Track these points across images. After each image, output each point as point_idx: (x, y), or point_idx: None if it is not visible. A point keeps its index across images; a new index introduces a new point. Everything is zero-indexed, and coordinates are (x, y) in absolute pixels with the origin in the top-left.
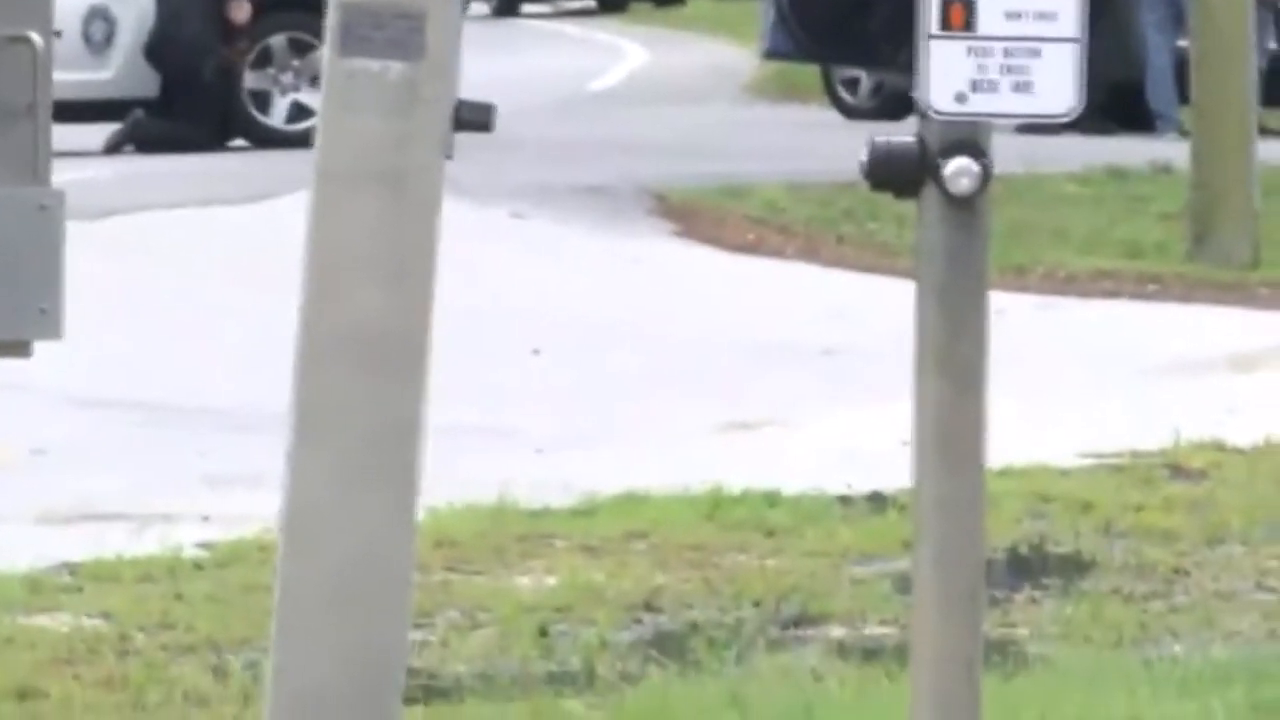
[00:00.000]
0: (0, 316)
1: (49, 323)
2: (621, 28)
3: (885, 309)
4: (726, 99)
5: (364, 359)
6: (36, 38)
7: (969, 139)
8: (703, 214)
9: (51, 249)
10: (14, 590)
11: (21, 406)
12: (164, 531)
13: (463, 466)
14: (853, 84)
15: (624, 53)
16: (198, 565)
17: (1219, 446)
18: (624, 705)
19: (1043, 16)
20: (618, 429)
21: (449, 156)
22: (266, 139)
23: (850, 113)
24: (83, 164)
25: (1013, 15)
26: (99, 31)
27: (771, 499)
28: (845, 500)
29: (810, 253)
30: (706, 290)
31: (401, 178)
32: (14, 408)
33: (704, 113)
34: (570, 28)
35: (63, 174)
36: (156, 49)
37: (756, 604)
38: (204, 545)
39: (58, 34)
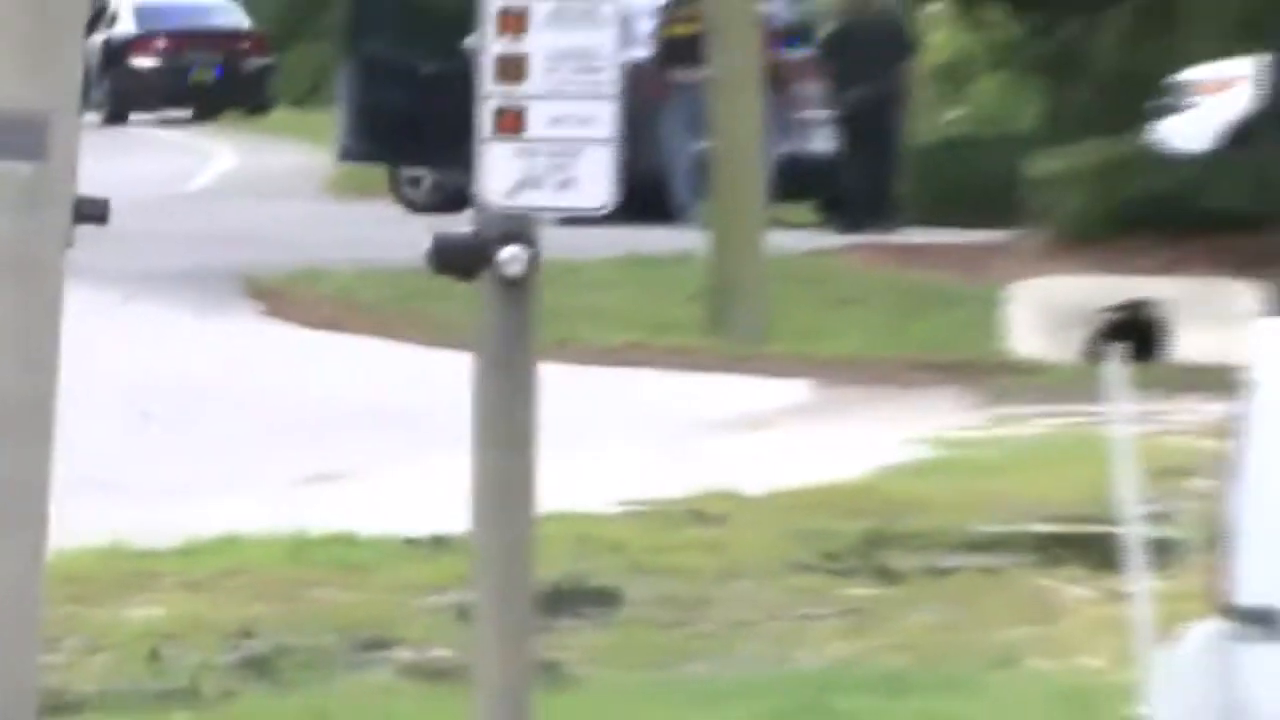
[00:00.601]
0: None
1: None
2: (214, 134)
3: (449, 378)
4: (307, 196)
5: (8, 426)
6: None
7: (519, 229)
8: (287, 296)
9: None
10: None
11: None
12: None
13: (83, 515)
14: (415, 182)
15: (217, 156)
16: None
17: (734, 495)
18: (225, 718)
19: (582, 122)
20: (216, 481)
21: (70, 245)
22: None
23: (414, 207)
24: None
25: (556, 121)
26: None
27: (350, 540)
28: (413, 542)
29: (381, 329)
30: (291, 361)
31: (30, 266)
32: None
33: (287, 208)
34: (170, 134)
35: None
36: None
37: (337, 631)
38: None
39: None
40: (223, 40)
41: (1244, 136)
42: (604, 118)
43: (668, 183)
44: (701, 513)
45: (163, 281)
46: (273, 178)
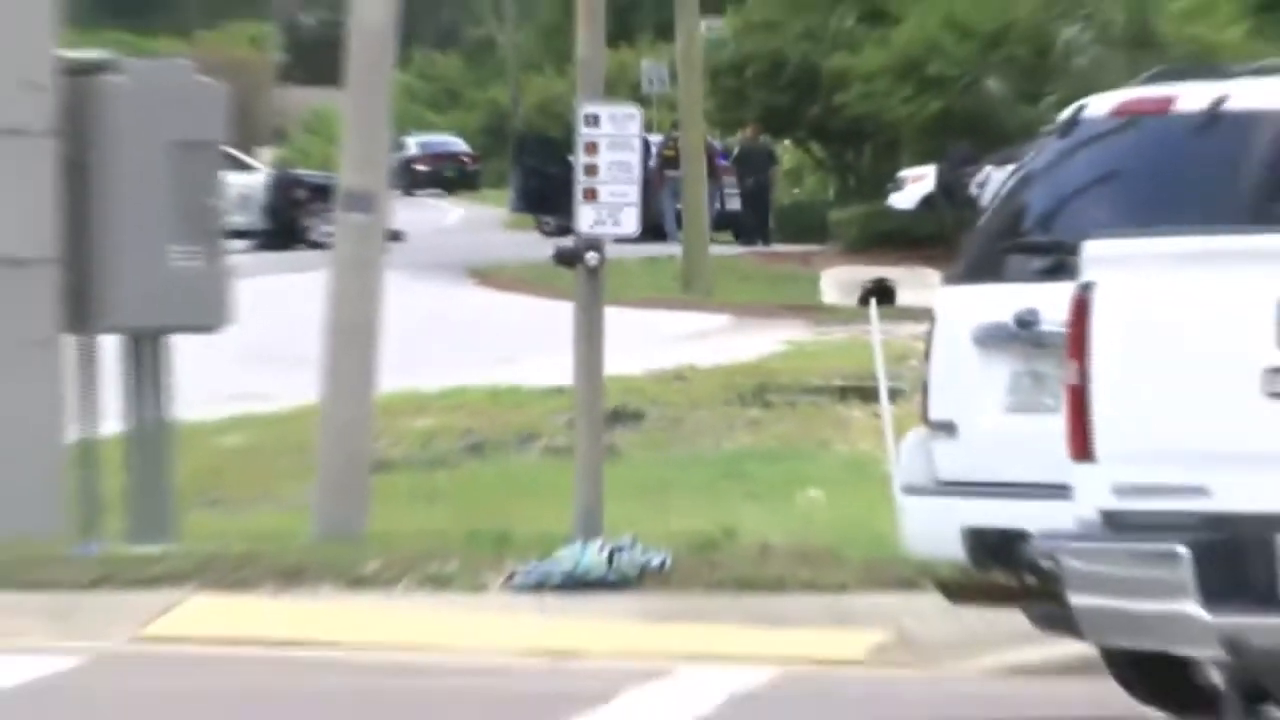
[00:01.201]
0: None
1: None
2: (454, 201)
3: (564, 315)
4: (496, 229)
5: (355, 337)
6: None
7: (596, 244)
8: (488, 276)
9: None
10: None
11: None
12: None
13: (390, 378)
14: (548, 222)
15: (455, 211)
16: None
17: (696, 368)
18: (461, 475)
19: (623, 195)
20: (455, 361)
21: (385, 253)
22: (312, 246)
23: (547, 235)
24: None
25: (612, 194)
26: (244, 201)
27: (517, 390)
28: (547, 390)
29: (533, 291)
30: (491, 307)
31: (366, 265)
32: None
33: (487, 235)
34: (433, 200)
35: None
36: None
37: (512, 432)
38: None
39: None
40: (457, 156)
41: (929, 202)
42: (633, 193)
43: (663, 224)
44: (680, 376)
45: (430, 269)
46: (480, 220)
